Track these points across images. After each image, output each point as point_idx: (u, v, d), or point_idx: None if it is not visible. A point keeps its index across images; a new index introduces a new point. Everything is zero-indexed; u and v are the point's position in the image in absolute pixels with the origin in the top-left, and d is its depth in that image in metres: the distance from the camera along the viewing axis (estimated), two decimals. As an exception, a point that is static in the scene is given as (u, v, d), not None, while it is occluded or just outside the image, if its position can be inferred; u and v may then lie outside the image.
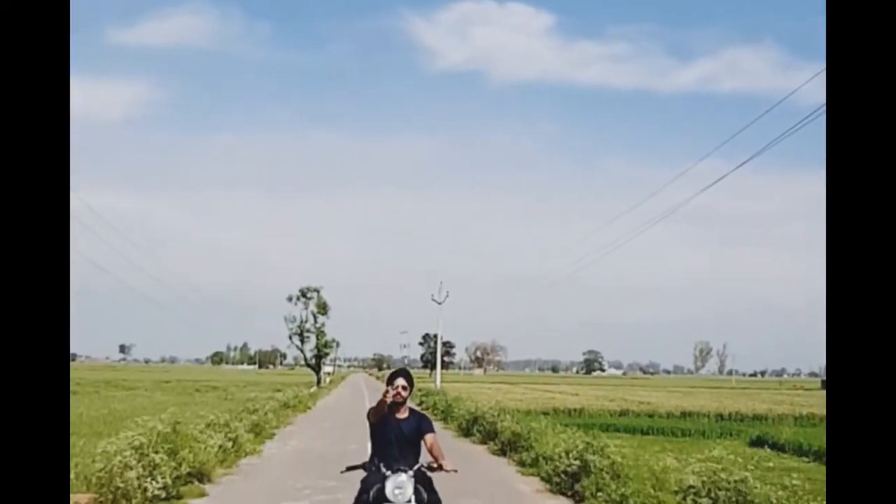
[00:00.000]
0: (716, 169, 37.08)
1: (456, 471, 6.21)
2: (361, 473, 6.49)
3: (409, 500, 5.85)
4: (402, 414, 6.48)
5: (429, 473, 6.37)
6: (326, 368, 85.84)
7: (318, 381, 69.90)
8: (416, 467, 6.15)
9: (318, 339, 69.65)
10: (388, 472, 5.96)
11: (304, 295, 68.82)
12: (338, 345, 76.13)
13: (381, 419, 6.34)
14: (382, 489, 5.91)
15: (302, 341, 69.23)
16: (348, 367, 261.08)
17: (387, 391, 6.20)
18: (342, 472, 6.51)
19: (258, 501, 11.56)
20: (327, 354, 74.49)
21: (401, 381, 6.37)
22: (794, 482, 7.49)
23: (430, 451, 6.45)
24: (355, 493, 6.42)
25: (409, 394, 6.46)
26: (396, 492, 5.86)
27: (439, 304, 61.70)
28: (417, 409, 6.98)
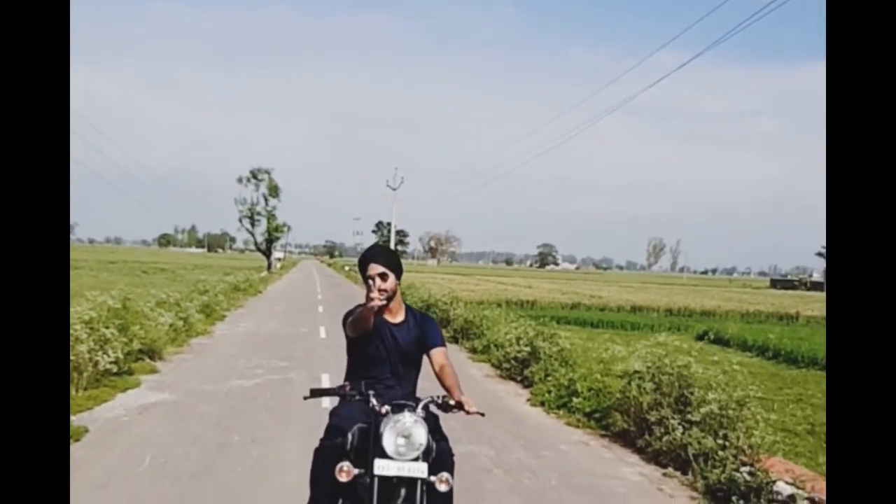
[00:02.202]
0: (680, 61, 36.99)
1: (483, 414, 4.12)
2: (329, 401, 4.60)
3: (418, 458, 3.78)
4: (396, 316, 4.51)
5: (435, 411, 4.20)
6: (277, 254, 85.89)
7: (269, 267, 70.04)
8: (424, 402, 4.06)
9: (268, 222, 69.43)
10: (385, 410, 3.88)
11: (254, 177, 68.21)
12: (289, 229, 75.84)
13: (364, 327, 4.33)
14: (374, 436, 3.89)
15: (252, 224, 68.98)
16: (299, 253, 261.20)
17: (369, 291, 4.25)
18: (305, 399, 4.25)
19: (210, 379, 11.83)
20: (278, 239, 74.37)
21: (377, 269, 4.30)
22: (735, 367, 7.93)
23: (441, 376, 4.33)
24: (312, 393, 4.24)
25: (398, 284, 4.45)
26: (400, 443, 3.77)
27: (394, 190, 61.57)
28: (417, 309, 4.80)
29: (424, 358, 4.57)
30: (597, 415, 9.78)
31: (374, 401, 4.00)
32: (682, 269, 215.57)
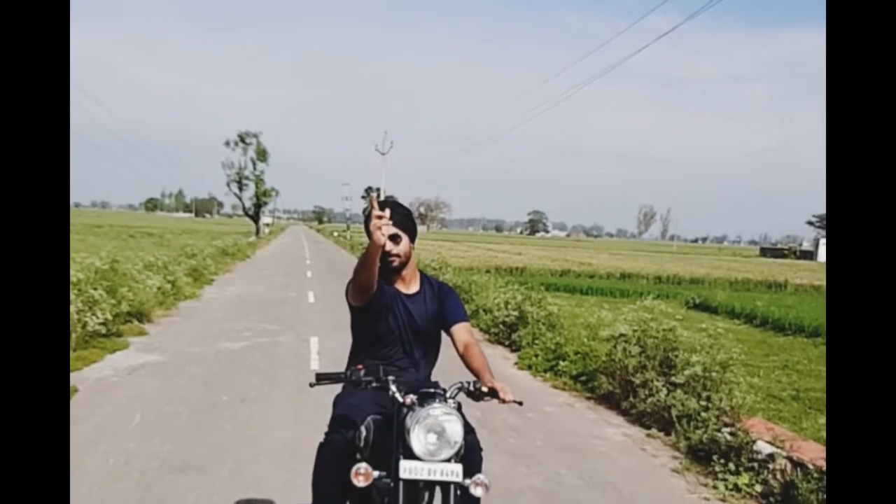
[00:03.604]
0: (674, 24, 36.73)
1: (521, 403, 3.38)
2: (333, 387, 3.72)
3: (451, 459, 3.11)
4: (410, 286, 3.89)
5: (456, 399, 3.33)
6: (265, 219, 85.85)
7: (257, 232, 69.98)
8: (453, 389, 3.35)
9: (256, 186, 69.27)
10: (410, 400, 3.18)
11: (242, 140, 67.95)
12: (277, 194, 75.78)
13: (374, 296, 3.70)
14: (397, 432, 3.18)
15: (240, 189, 68.82)
16: (288, 219, 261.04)
17: (377, 221, 3.23)
18: (312, 386, 3.40)
19: (198, 342, 11.94)
20: (266, 204, 74.25)
21: (389, 227, 3.38)
22: (719, 331, 8.08)
23: (466, 357, 3.67)
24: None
25: (412, 248, 3.83)
26: (431, 440, 3.09)
27: (383, 154, 61.46)
28: (433, 277, 4.13)
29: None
30: (583, 378, 9.94)
31: (393, 388, 3.27)
32: (672, 238, 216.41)
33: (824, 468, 5.56)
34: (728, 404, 7.15)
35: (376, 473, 3.14)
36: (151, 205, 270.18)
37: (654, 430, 7.80)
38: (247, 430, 7.17)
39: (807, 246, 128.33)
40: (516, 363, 11.72)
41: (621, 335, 8.80)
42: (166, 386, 8.78)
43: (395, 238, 3.70)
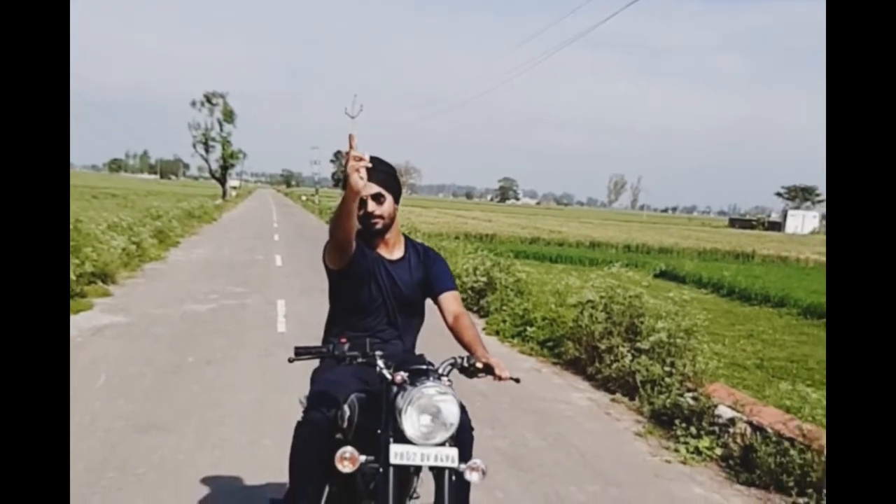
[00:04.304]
0: (649, -5, 36.83)
1: (518, 380, 3.15)
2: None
3: (446, 443, 2.88)
4: (393, 251, 3.62)
5: (449, 376, 3.10)
6: (232, 182, 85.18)
7: (224, 194, 69.45)
8: (445, 365, 3.13)
9: (223, 148, 68.68)
10: (400, 378, 2.93)
11: (208, 100, 67.21)
12: (244, 156, 75.11)
13: (352, 259, 3.45)
14: (387, 413, 2.95)
15: (206, 150, 68.21)
16: (255, 182, 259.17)
17: (354, 163, 2.99)
18: (291, 361, 3.10)
19: (164, 303, 11.91)
20: (233, 166, 73.65)
21: (371, 188, 3.36)
22: (685, 298, 8.22)
23: (456, 329, 3.45)
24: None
25: (396, 210, 3.55)
26: (425, 422, 2.86)
27: (352, 118, 60.96)
28: (419, 242, 3.84)
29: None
30: (550, 343, 10.07)
31: (381, 364, 3.02)
32: (642, 207, 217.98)
33: (782, 432, 5.72)
34: (691, 370, 7.30)
35: (363, 458, 2.89)
36: (115, 166, 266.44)
37: (618, 395, 7.95)
38: (213, 391, 7.21)
39: (775, 217, 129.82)
40: (484, 329, 11.82)
41: (588, 301, 8.91)
42: (131, 347, 8.78)
43: (377, 197, 3.42)
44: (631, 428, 7.05)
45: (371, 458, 2.91)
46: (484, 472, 2.91)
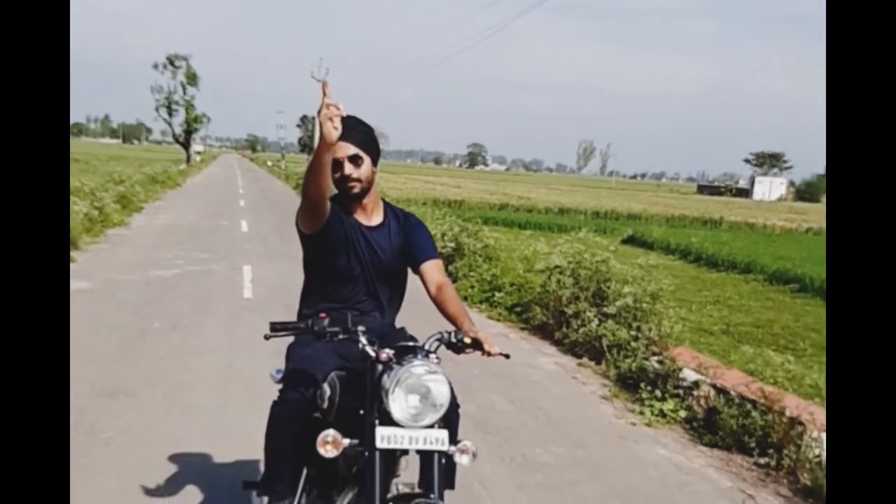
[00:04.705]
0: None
1: (508, 356, 2.96)
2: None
3: (435, 424, 2.72)
4: (372, 217, 3.41)
5: (435, 353, 2.87)
6: (197, 147, 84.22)
7: (188, 159, 68.66)
8: (431, 341, 2.91)
9: (187, 112, 67.71)
10: (385, 356, 2.74)
11: (171, 63, 66.09)
12: (209, 120, 74.30)
13: (328, 225, 3.24)
14: (371, 394, 2.76)
15: (170, 114, 67.18)
16: (220, 147, 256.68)
17: (327, 111, 2.78)
18: (267, 338, 2.85)
19: (128, 269, 11.84)
20: (197, 130, 72.78)
21: (348, 149, 3.18)
22: (650, 262, 8.34)
23: (440, 301, 3.22)
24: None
25: (374, 173, 3.33)
26: (414, 403, 2.68)
27: (319, 81, 60.48)
28: (398, 207, 3.63)
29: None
30: (518, 309, 10.17)
31: (364, 340, 2.82)
32: (611, 173, 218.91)
33: (745, 394, 5.86)
34: (657, 334, 7.43)
35: (346, 441, 2.73)
36: (76, 130, 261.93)
37: (585, 360, 8.06)
38: (179, 356, 7.21)
39: (743, 184, 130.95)
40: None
41: (556, 267, 9.00)
42: (96, 313, 8.73)
43: (354, 159, 3.20)
44: (597, 391, 7.17)
45: (355, 441, 2.74)
46: (475, 455, 2.75)
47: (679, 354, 6.96)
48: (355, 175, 3.21)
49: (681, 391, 6.52)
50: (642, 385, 6.81)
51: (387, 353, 2.75)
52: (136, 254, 13.72)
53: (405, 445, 2.70)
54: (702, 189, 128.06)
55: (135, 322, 8.40)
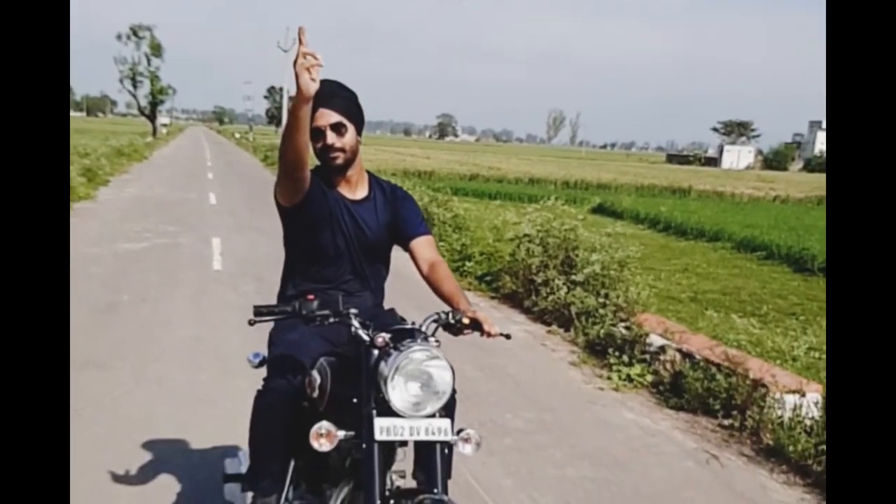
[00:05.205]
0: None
1: (509, 336, 2.90)
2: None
3: (436, 413, 2.52)
4: (356, 190, 3.19)
5: (433, 335, 2.67)
6: (163, 119, 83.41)
7: (154, 132, 67.90)
8: (428, 322, 2.73)
9: (152, 84, 66.81)
10: (381, 340, 2.53)
11: (135, 34, 65.10)
12: (174, 92, 73.32)
13: (309, 197, 3.01)
14: (367, 381, 2.55)
15: (134, 86, 66.28)
16: (187, 119, 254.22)
17: (304, 60, 2.55)
18: (251, 323, 2.66)
19: (96, 242, 11.77)
20: (163, 102, 71.84)
21: (330, 117, 2.98)
22: (618, 230, 8.45)
23: (433, 279, 3.10)
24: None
25: (359, 142, 3.11)
26: (414, 391, 2.48)
27: (285, 52, 59.83)
28: (385, 180, 3.44)
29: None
30: (488, 278, 10.26)
31: (356, 324, 2.62)
32: (581, 143, 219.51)
33: (710, 358, 5.98)
34: (624, 300, 7.54)
35: (341, 433, 2.53)
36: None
37: (554, 327, 8.17)
38: (149, 328, 7.23)
39: (711, 153, 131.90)
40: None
41: (525, 236, 9.09)
42: (63, 286, 8.69)
43: (337, 127, 2.98)
44: (566, 358, 7.28)
45: (351, 433, 2.54)
46: (478, 444, 2.58)
47: (646, 320, 7.08)
48: (338, 145, 3.00)
49: (647, 356, 6.64)
50: (610, 351, 6.92)
51: (383, 337, 2.54)
52: (104, 227, 13.63)
53: (405, 437, 2.50)
54: (671, 158, 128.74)
55: (103, 295, 8.39)
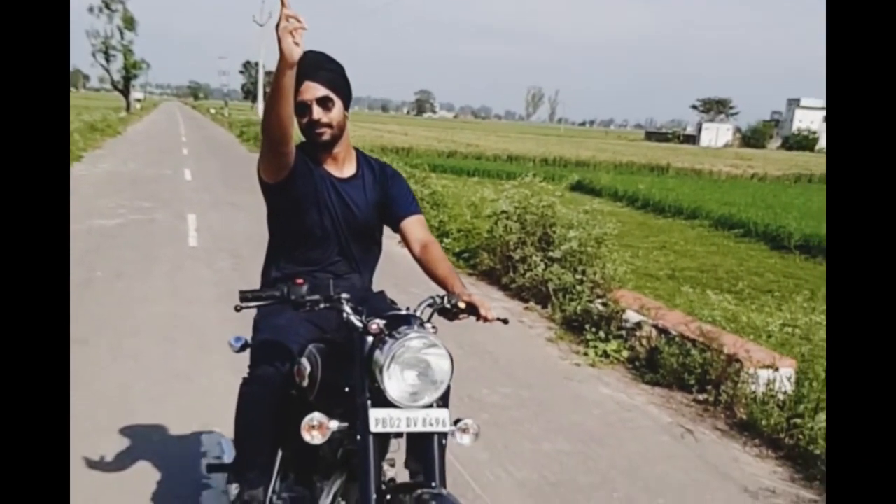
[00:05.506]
0: None
1: (506, 321, 2.71)
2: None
3: (433, 403, 2.41)
4: (344, 168, 3.06)
5: (430, 321, 2.58)
6: (136, 94, 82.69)
7: (128, 107, 67.19)
8: (423, 309, 2.59)
9: (125, 58, 66.02)
10: (375, 326, 2.40)
11: (107, 6, 64.25)
12: (148, 67, 72.65)
13: (294, 174, 2.90)
14: (361, 370, 2.43)
15: (107, 60, 65.50)
16: (161, 94, 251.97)
17: (287, 23, 2.44)
18: (238, 310, 2.50)
19: (70, 218, 11.69)
20: (136, 77, 71.12)
21: (316, 90, 2.84)
22: (596, 207, 8.50)
23: (426, 261, 2.97)
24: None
25: (346, 117, 2.98)
26: (411, 381, 2.36)
27: (261, 26, 59.42)
28: (373, 157, 3.31)
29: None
30: (465, 255, 10.30)
31: (348, 309, 2.51)
32: (560, 120, 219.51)
33: (685, 333, 6.05)
34: (601, 277, 7.60)
35: (334, 425, 2.42)
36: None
37: (531, 304, 8.22)
38: (124, 304, 7.20)
39: (690, 130, 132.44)
40: (400, 241, 11.96)
41: (503, 212, 9.12)
42: (36, 262, 8.64)
43: (324, 102, 2.85)
44: (543, 334, 7.34)
45: (344, 424, 2.43)
46: (477, 435, 2.51)
47: (622, 297, 7.14)
48: (325, 120, 2.87)
49: (624, 332, 6.71)
50: (587, 327, 6.98)
51: (377, 323, 2.41)
52: (77, 203, 13.48)
53: (402, 428, 2.39)
54: (650, 136, 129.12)
55: (78, 271, 8.32)
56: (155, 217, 12.52)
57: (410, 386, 2.35)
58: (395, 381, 2.33)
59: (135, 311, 7.01)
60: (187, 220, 12.19)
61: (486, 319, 2.63)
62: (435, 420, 2.40)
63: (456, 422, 2.47)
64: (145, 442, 4.45)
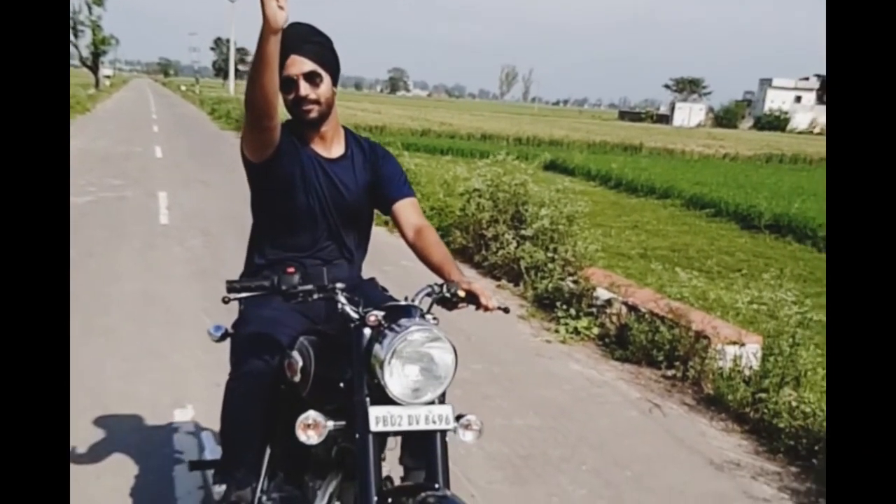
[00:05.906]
0: None
1: (507, 310, 2.63)
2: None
3: (435, 401, 2.27)
4: (332, 148, 2.88)
5: (429, 311, 2.47)
6: (105, 71, 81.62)
7: (97, 84, 66.37)
8: (422, 299, 2.49)
9: (93, 34, 65.22)
10: (373, 318, 2.26)
11: (75, -19, 63.44)
12: (117, 42, 71.77)
13: (279, 154, 2.73)
14: (358, 364, 2.29)
15: (75, 36, 64.57)
16: (130, 71, 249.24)
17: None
18: (226, 301, 2.33)
19: (38, 195, 11.60)
20: (105, 53, 70.27)
21: (304, 65, 2.67)
22: (568, 186, 8.57)
23: (420, 246, 2.84)
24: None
25: (335, 94, 2.81)
26: (413, 376, 2.22)
27: (232, 2, 58.85)
28: (363, 137, 3.10)
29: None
30: (438, 233, 10.30)
31: (342, 299, 2.37)
32: (533, 100, 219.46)
33: (655, 311, 6.15)
34: (572, 255, 7.68)
35: (330, 424, 2.29)
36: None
37: (503, 282, 8.31)
38: (96, 283, 7.19)
39: (664, 110, 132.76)
40: (375, 222, 11.99)
41: (475, 190, 9.17)
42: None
43: (311, 77, 2.68)
44: (515, 312, 7.41)
45: (341, 423, 2.31)
46: (480, 431, 2.35)
47: (593, 274, 7.23)
48: (312, 96, 2.69)
49: (594, 309, 6.80)
50: (558, 304, 7.06)
51: (376, 315, 2.27)
52: (46, 181, 13.41)
53: (404, 427, 2.24)
54: (623, 115, 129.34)
55: (47, 249, 8.30)
56: (125, 195, 12.46)
57: (412, 382, 2.22)
58: (397, 377, 2.20)
59: (106, 289, 7.01)
60: (158, 198, 12.13)
61: (486, 308, 2.53)
62: (438, 417, 2.26)
63: (458, 418, 2.32)
64: (115, 415, 4.48)
